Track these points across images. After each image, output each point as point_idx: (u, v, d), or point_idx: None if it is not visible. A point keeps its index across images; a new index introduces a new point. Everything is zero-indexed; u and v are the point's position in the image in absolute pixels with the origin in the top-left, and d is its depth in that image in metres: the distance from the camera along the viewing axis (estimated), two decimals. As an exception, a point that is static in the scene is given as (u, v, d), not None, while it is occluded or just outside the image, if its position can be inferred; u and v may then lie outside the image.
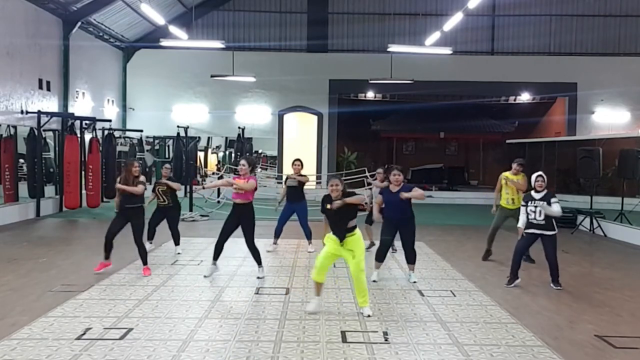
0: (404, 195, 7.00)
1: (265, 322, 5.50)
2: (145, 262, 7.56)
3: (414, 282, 7.25)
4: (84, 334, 5.06)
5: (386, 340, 5.05)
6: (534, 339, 5.14)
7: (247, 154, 21.68)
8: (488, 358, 4.67)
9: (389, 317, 5.76)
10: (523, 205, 7.28)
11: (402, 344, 4.95)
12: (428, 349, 4.84)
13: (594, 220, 12.35)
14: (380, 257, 7.37)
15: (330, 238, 5.87)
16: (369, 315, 5.70)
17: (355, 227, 5.83)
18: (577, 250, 10.32)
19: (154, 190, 8.82)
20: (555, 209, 7.01)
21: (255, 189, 7.28)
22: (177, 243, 9.05)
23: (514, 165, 8.84)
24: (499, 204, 8.92)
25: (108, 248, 7.46)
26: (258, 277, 7.38)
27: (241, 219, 7.26)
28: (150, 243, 8.95)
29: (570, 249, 10.24)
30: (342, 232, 5.77)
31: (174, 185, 8.81)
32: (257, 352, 4.69)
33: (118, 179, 7.55)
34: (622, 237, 11.56)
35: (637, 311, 6.26)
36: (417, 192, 7.06)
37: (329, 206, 5.75)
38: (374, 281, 7.24)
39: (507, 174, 8.84)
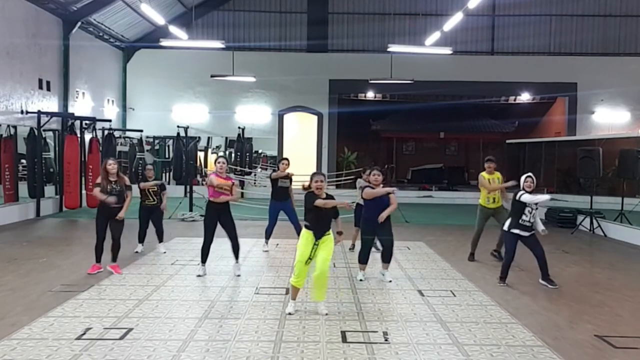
0: (382, 215, 7.04)
1: (265, 322, 5.49)
2: (114, 260, 7.49)
3: (390, 281, 7.24)
4: (84, 334, 5.06)
5: (386, 340, 5.05)
6: (534, 339, 5.14)
7: (247, 154, 21.71)
8: (488, 358, 4.67)
9: (389, 317, 5.76)
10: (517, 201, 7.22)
11: (402, 344, 4.95)
12: (428, 349, 4.84)
13: (594, 220, 12.35)
14: (363, 258, 7.37)
15: (306, 241, 5.77)
16: (326, 314, 5.71)
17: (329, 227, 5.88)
18: (577, 250, 10.32)
19: (142, 190, 8.77)
20: (540, 226, 7.21)
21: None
22: (160, 240, 9.04)
23: (486, 165, 8.81)
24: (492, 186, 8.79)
25: (100, 251, 7.46)
26: (237, 275, 7.45)
27: (223, 216, 7.35)
28: (142, 245, 8.94)
29: (570, 249, 10.24)
30: (323, 230, 5.78)
31: (164, 196, 8.92)
32: (257, 352, 4.69)
33: (98, 180, 7.46)
34: (622, 237, 11.56)
35: (637, 311, 6.26)
36: (392, 205, 7.15)
37: (319, 202, 5.70)
38: (361, 280, 7.26)
39: (484, 174, 8.80)
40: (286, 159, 9.49)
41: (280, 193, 9.22)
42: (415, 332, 5.29)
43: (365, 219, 7.33)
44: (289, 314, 5.72)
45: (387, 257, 7.34)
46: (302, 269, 5.80)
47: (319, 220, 5.79)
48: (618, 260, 9.47)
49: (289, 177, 9.27)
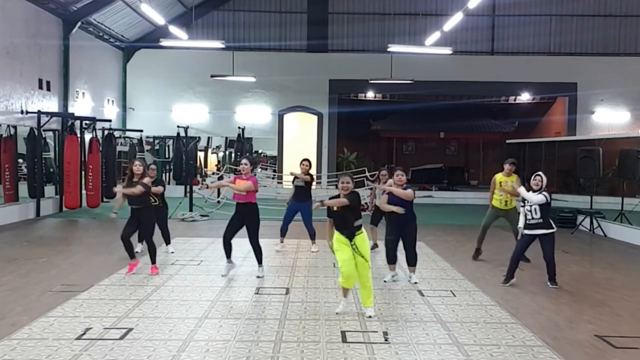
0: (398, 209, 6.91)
1: (265, 322, 5.50)
2: (153, 261, 7.58)
3: (415, 282, 7.23)
4: (84, 334, 5.06)
5: (386, 340, 5.05)
6: (534, 339, 5.14)
7: (247, 154, 21.71)
8: (488, 358, 4.67)
9: (389, 317, 5.76)
10: (522, 206, 7.31)
11: (402, 344, 4.95)
12: (428, 349, 4.84)
13: (594, 220, 12.35)
14: (391, 259, 7.35)
15: (340, 243, 5.75)
16: (370, 317, 5.69)
17: (361, 226, 5.81)
18: (577, 250, 10.32)
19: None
20: (533, 197, 7.07)
21: (256, 190, 7.28)
22: (168, 242, 9.05)
23: (507, 166, 8.78)
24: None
25: (128, 248, 7.46)
26: (258, 277, 7.39)
27: (246, 219, 7.27)
28: (142, 244, 8.91)
29: (570, 249, 10.24)
30: (350, 231, 5.72)
31: (156, 189, 8.72)
32: (257, 352, 4.69)
33: (122, 180, 7.60)
34: (622, 237, 11.56)
35: (637, 311, 6.26)
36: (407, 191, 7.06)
37: (325, 202, 5.73)
38: (385, 281, 7.24)
39: (500, 176, 8.79)
40: (307, 159, 9.37)
41: (296, 193, 9.20)
42: (415, 332, 5.29)
43: (389, 220, 7.32)
44: (337, 313, 5.74)
45: (411, 261, 7.34)
46: (351, 272, 5.71)
47: (341, 223, 5.74)
48: (618, 260, 9.47)
49: (306, 177, 9.20)
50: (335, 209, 5.74)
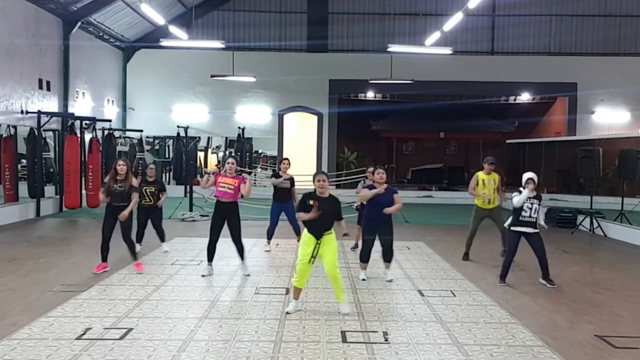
0: (388, 210, 7.02)
1: (265, 322, 5.50)
2: (135, 258, 7.61)
3: (390, 280, 7.25)
4: (84, 334, 5.06)
5: (386, 340, 5.05)
6: (534, 339, 5.14)
7: (247, 154, 21.70)
8: (488, 358, 4.67)
9: (389, 317, 5.76)
10: (513, 197, 7.23)
11: (402, 344, 4.95)
12: (428, 349, 4.84)
13: (594, 220, 12.35)
14: (364, 257, 7.37)
15: (305, 240, 5.79)
16: (347, 314, 5.71)
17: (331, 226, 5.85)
18: (577, 250, 10.32)
19: (140, 190, 8.76)
20: (542, 221, 7.19)
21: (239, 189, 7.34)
22: (162, 240, 9.09)
23: (486, 166, 8.76)
24: (479, 194, 8.80)
25: (105, 250, 7.50)
26: (246, 275, 7.42)
27: (228, 216, 7.32)
28: (140, 245, 8.88)
29: (570, 249, 10.24)
30: (322, 231, 5.75)
31: (160, 201, 8.87)
32: (257, 352, 4.69)
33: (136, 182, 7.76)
34: (622, 237, 11.56)
35: (637, 311, 6.26)
36: (398, 204, 7.09)
37: (311, 202, 5.71)
38: (363, 279, 7.26)
39: (481, 174, 8.78)
40: (286, 159, 9.59)
41: (281, 194, 9.34)
42: (415, 332, 5.29)
43: (367, 219, 7.36)
44: (288, 313, 5.73)
45: (387, 257, 7.37)
46: (304, 269, 5.78)
47: (318, 224, 5.75)
48: (618, 260, 9.46)
49: (289, 179, 9.31)
50: (311, 203, 5.73)
